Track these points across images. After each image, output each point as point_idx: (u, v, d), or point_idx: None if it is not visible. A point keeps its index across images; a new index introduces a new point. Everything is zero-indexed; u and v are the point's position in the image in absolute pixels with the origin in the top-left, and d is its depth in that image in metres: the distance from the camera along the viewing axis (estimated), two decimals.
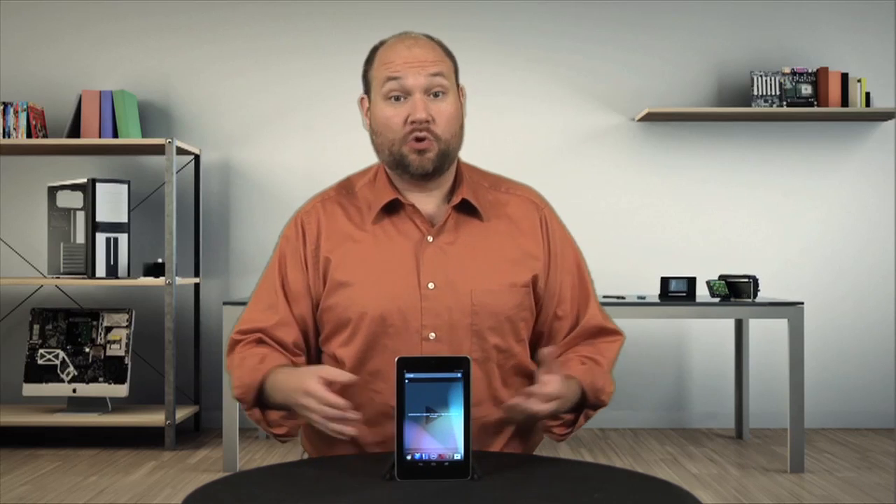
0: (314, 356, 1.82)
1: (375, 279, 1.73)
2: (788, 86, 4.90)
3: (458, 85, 1.79)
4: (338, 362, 1.76)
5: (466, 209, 1.78)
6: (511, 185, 1.86)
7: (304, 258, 1.77)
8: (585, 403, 1.72)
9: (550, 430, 1.74)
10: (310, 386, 1.53)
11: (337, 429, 1.52)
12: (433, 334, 1.71)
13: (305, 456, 1.86)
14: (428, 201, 1.78)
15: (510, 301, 1.74)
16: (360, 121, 1.82)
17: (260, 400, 1.70)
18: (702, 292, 4.54)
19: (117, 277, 4.64)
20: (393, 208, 1.77)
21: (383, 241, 1.75)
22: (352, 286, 1.73)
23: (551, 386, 1.57)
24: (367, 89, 1.79)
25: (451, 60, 1.78)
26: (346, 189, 1.83)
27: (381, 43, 1.78)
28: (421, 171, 1.73)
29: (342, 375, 1.55)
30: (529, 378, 1.84)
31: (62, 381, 4.63)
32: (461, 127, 1.77)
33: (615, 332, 1.84)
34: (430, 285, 1.72)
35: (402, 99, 1.72)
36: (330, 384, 1.54)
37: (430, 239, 1.75)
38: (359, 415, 1.53)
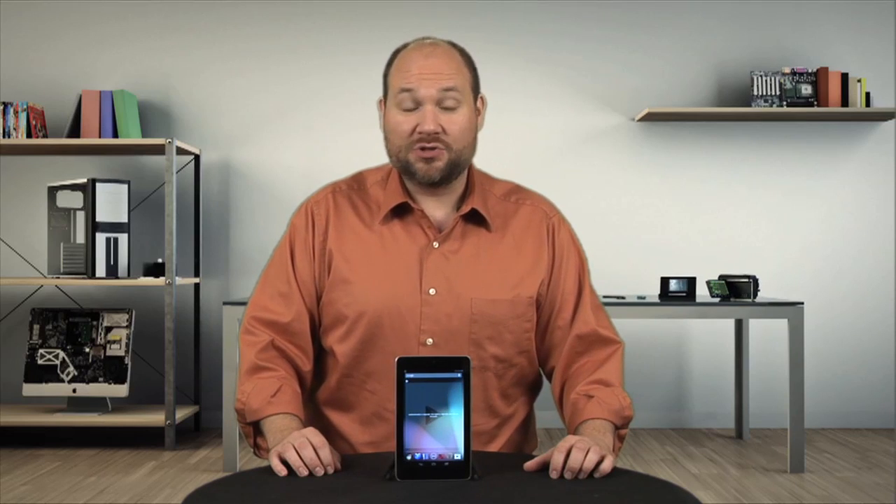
0: (318, 347, 1.81)
1: (377, 279, 1.73)
2: (788, 86, 4.90)
3: (476, 96, 1.77)
4: (334, 357, 1.76)
5: (475, 218, 1.78)
6: (524, 196, 1.84)
7: (312, 248, 1.77)
8: (615, 427, 1.68)
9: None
10: (314, 437, 1.50)
11: (311, 466, 1.47)
12: (431, 340, 1.71)
13: None
14: (437, 207, 1.78)
15: (511, 312, 1.74)
16: (377, 121, 1.82)
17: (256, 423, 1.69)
18: (702, 292, 4.54)
19: (117, 277, 4.64)
20: (402, 210, 1.77)
21: (389, 241, 1.75)
22: (353, 284, 1.73)
23: (556, 457, 1.48)
24: (385, 92, 1.78)
25: (470, 71, 1.76)
26: (357, 184, 1.83)
27: (404, 46, 1.77)
28: (427, 179, 1.72)
29: (335, 462, 1.49)
30: (532, 389, 1.84)
31: (62, 381, 4.63)
32: (474, 138, 1.76)
33: (612, 342, 1.78)
34: (432, 291, 1.72)
35: (414, 108, 1.71)
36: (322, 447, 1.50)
37: (435, 245, 1.75)
38: (332, 470, 1.48)
